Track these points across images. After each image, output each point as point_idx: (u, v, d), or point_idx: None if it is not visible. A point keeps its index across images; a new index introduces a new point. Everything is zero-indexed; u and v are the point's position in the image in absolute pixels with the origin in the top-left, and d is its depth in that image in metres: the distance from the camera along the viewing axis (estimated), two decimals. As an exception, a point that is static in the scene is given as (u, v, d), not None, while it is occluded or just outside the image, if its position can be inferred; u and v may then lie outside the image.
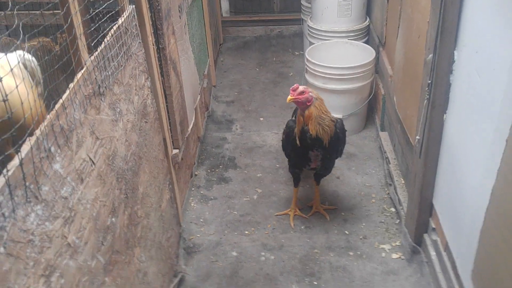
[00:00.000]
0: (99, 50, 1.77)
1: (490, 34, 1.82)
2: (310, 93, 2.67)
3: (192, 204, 3.36)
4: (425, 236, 2.67)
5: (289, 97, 2.66)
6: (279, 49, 5.82)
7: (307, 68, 3.99)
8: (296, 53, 5.67)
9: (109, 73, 1.84)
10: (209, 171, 3.71)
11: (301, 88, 2.65)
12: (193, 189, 3.50)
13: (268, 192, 3.48)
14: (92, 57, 1.71)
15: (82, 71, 1.61)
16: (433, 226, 2.59)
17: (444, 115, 2.31)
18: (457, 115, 2.19)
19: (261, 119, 4.40)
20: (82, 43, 1.67)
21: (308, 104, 2.68)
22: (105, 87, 1.79)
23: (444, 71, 2.22)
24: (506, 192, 1.65)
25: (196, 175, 3.63)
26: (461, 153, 2.14)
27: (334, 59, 4.14)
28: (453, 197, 2.26)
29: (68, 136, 1.48)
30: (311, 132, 2.71)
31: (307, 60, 3.95)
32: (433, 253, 2.57)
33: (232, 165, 3.77)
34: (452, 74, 2.22)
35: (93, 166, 1.65)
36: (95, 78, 1.70)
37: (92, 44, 1.76)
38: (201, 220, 3.23)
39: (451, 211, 2.30)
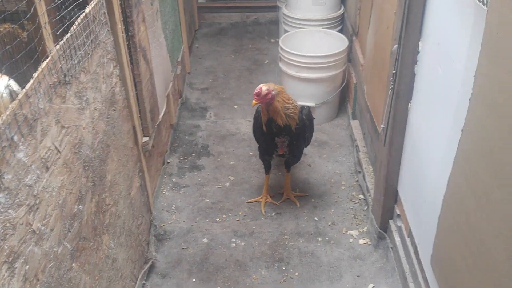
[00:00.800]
0: (65, 39, 1.76)
1: (450, 27, 1.88)
2: (273, 92, 2.69)
3: (164, 192, 3.38)
4: (391, 222, 2.75)
5: (254, 101, 2.68)
6: (255, 36, 5.82)
7: (281, 56, 4.02)
8: (272, 40, 5.68)
9: (75, 61, 1.84)
10: (181, 158, 3.73)
11: (264, 90, 2.66)
12: (165, 176, 3.52)
13: (241, 179, 3.52)
14: (58, 46, 1.70)
15: (47, 60, 1.61)
16: (398, 212, 2.67)
17: (409, 104, 2.38)
18: (421, 105, 2.26)
19: (236, 106, 4.42)
20: (47, 32, 1.67)
21: (272, 101, 2.71)
22: (71, 76, 1.80)
23: (409, 61, 2.27)
24: (460, 180, 1.72)
25: (168, 162, 3.64)
26: (423, 142, 2.21)
27: (308, 47, 4.18)
28: (416, 185, 2.33)
29: (32, 125, 1.48)
30: (279, 123, 2.77)
31: (281, 48, 3.98)
32: (397, 239, 2.65)
33: (205, 153, 3.80)
34: (416, 64, 2.28)
35: (59, 154, 1.66)
36: (61, 67, 1.70)
37: (58, 33, 1.75)
38: (173, 207, 3.26)
39: (414, 198, 2.38)
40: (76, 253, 1.77)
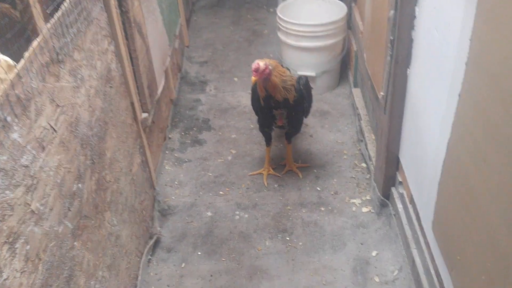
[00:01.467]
0: (56, 17, 1.74)
1: (447, -11, 1.83)
2: (269, 67, 2.66)
3: (166, 167, 3.39)
4: (393, 189, 2.76)
5: (253, 78, 2.64)
6: (253, 6, 5.73)
7: (279, 26, 3.96)
8: (271, 10, 5.58)
9: (68, 39, 1.82)
10: (183, 133, 3.73)
11: (261, 66, 2.63)
12: (167, 152, 3.52)
13: (242, 152, 3.52)
14: (49, 25, 1.68)
15: (38, 39, 1.59)
16: (400, 180, 2.67)
17: (408, 70, 2.35)
18: (419, 71, 2.23)
19: (236, 79, 4.39)
20: (36, 10, 1.64)
21: (269, 77, 2.68)
22: (64, 54, 1.78)
23: (406, 27, 2.23)
24: (459, 145, 1.71)
25: (169, 138, 3.64)
26: (423, 108, 2.19)
27: (307, 16, 4.12)
28: (416, 151, 2.32)
29: (25, 105, 1.48)
30: (277, 99, 2.75)
31: (279, 17, 3.92)
32: (400, 206, 2.66)
33: (206, 127, 3.79)
34: (414, 30, 2.24)
35: (55, 133, 1.66)
36: (53, 46, 1.68)
37: (49, 12, 1.73)
38: (176, 182, 3.27)
39: (415, 164, 2.37)
40: (78, 231, 1.79)
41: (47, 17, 1.75)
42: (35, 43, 1.57)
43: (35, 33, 1.64)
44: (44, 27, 1.66)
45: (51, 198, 1.58)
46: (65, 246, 1.67)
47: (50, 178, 1.59)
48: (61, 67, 1.75)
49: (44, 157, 1.56)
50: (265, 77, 2.67)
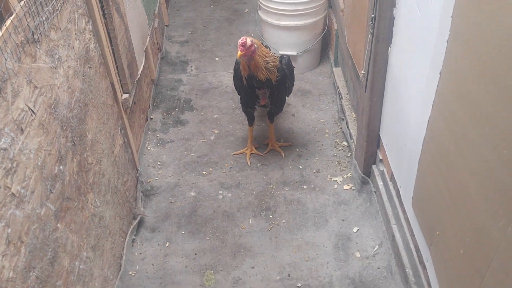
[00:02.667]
0: (29, -6, 1.69)
1: (428, -34, 1.83)
2: (255, 45, 2.65)
3: (149, 148, 3.37)
4: (374, 167, 2.79)
5: (239, 52, 2.61)
6: (233, -15, 5.65)
7: (260, 4, 3.92)
8: (251, -12, 5.52)
9: (43, 18, 1.78)
10: (165, 114, 3.70)
11: (248, 41, 2.61)
12: (149, 132, 3.50)
13: (225, 132, 3.52)
14: (22, 3, 1.63)
15: (11, 17, 1.54)
16: (381, 157, 2.70)
17: (389, 48, 2.35)
18: (400, 49, 2.24)
19: (217, 59, 4.35)
20: (9, -13, 1.59)
21: (253, 55, 2.66)
22: (40, 34, 1.74)
23: (387, 4, 2.23)
24: (439, 123, 1.73)
25: (151, 118, 3.61)
26: (403, 86, 2.20)
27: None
28: (397, 129, 2.35)
29: (1, 86, 1.44)
30: (260, 79, 2.74)
31: (260, -4, 3.88)
32: (380, 183, 2.70)
33: (188, 107, 3.77)
34: (395, 7, 2.24)
35: (34, 115, 1.63)
36: (28, 25, 1.64)
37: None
38: (159, 163, 3.26)
39: (395, 142, 2.40)
40: (61, 213, 1.78)
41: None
42: (8, 22, 1.53)
43: (8, 11, 1.59)
44: (18, 5, 1.61)
45: (32, 180, 1.57)
46: (48, 228, 1.66)
47: (30, 161, 1.57)
48: (37, 47, 1.71)
49: (23, 139, 1.54)
50: (249, 54, 2.65)
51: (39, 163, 1.63)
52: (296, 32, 3.85)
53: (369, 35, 2.34)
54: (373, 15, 2.27)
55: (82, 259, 1.96)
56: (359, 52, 2.88)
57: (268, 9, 3.82)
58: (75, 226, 1.92)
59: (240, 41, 2.60)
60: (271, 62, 2.76)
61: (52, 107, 1.78)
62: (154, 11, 3.95)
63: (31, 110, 1.61)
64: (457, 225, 1.63)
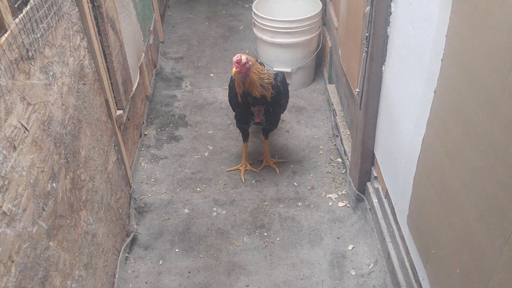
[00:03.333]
0: (24, 11, 1.69)
1: (422, -14, 1.85)
2: (250, 62, 2.66)
3: (143, 164, 3.35)
4: (368, 184, 2.79)
5: (234, 69, 2.62)
6: (228, 2, 5.70)
7: (255, 22, 3.95)
8: (246, 5, 5.57)
9: (38, 35, 1.77)
10: (159, 130, 3.69)
11: (243, 59, 2.62)
12: (142, 149, 3.48)
13: (219, 148, 3.51)
14: (17, 20, 1.63)
15: (6, 35, 1.54)
16: (375, 174, 2.70)
17: (383, 67, 2.37)
18: (394, 67, 2.25)
19: (212, 75, 4.36)
20: (3, 4, 1.59)
21: (248, 72, 2.68)
22: (35, 51, 1.73)
23: (382, 23, 2.25)
24: (434, 141, 1.73)
25: (145, 134, 3.60)
26: (398, 104, 2.21)
27: (282, 11, 4.12)
28: (391, 147, 2.35)
29: (-5, 103, 1.43)
30: (255, 96, 2.75)
31: (255, 13, 3.91)
32: (375, 200, 2.69)
33: (183, 123, 3.76)
34: (389, 26, 2.26)
35: (27, 132, 1.61)
36: (22, 42, 1.64)
37: (16, 6, 1.68)
38: (152, 179, 3.24)
39: (390, 160, 2.40)
40: (53, 231, 1.75)
41: (15, 12, 1.70)
42: (2, 39, 1.52)
43: (2, 28, 1.59)
44: (12, 22, 1.61)
45: (24, 198, 1.54)
46: (40, 246, 1.63)
47: (22, 178, 1.55)
48: (31, 64, 1.70)
49: (15, 157, 1.52)
50: (244, 71, 2.66)
51: (31, 181, 1.61)
52: (291, 49, 3.88)
53: (364, 53, 2.35)
54: (367, 34, 2.28)
55: (75, 278, 1.93)
56: (353, 69, 2.90)
57: (262, 26, 3.84)
58: (68, 244, 1.89)
59: (235, 58, 2.61)
60: (266, 79, 2.77)
61: (46, 124, 1.77)
62: (149, 27, 3.97)
63: (24, 127, 1.60)
64: (453, 244, 1.62)
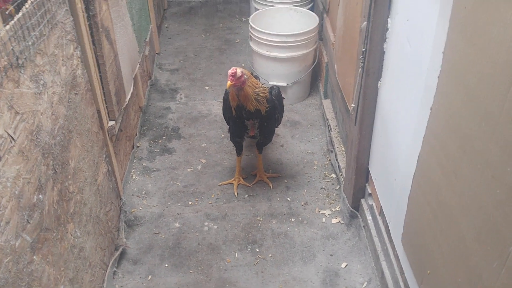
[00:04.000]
0: (15, 19, 1.66)
1: (419, 2, 1.84)
2: (245, 75, 2.64)
3: (134, 177, 3.30)
4: (362, 201, 2.75)
5: (229, 82, 2.60)
6: (225, 15, 5.70)
7: (251, 35, 3.94)
8: (243, 19, 5.58)
9: (30, 43, 1.74)
10: (152, 142, 3.64)
11: (238, 72, 2.59)
12: (134, 161, 3.43)
13: (213, 162, 3.46)
14: (8, 27, 1.60)
15: (-5, 41, 1.51)
16: (369, 191, 2.66)
17: (379, 82, 2.35)
18: (390, 83, 2.23)
19: (207, 87, 4.34)
20: (-6, 11, 1.56)
21: (243, 85, 2.65)
22: (25, 59, 1.69)
23: (378, 39, 2.23)
24: (430, 158, 1.70)
25: (138, 146, 3.56)
26: (393, 121, 2.19)
27: (278, 25, 4.12)
28: (386, 164, 2.32)
29: (-19, 111, 1.39)
30: (249, 110, 2.72)
31: (251, 27, 3.90)
32: (369, 218, 2.66)
33: (176, 136, 3.72)
34: (386, 42, 2.24)
35: (13, 142, 1.57)
36: (12, 49, 1.60)
37: (7, 13, 1.65)
38: (143, 192, 3.19)
39: (385, 177, 2.37)
40: (38, 244, 1.70)
41: (6, 19, 1.67)
42: (-8, 46, 1.49)
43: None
44: (3, 29, 1.58)
45: (7, 210, 1.49)
46: (23, 261, 1.58)
47: (7, 190, 1.50)
48: (21, 72, 1.66)
49: (0, 167, 1.47)
50: (239, 85, 2.63)
51: (16, 192, 1.56)
52: (287, 63, 3.86)
53: (360, 69, 2.33)
54: (364, 49, 2.27)
55: (59, 293, 1.87)
56: (349, 85, 2.88)
57: (259, 40, 3.83)
58: (53, 258, 1.83)
59: (230, 71, 2.58)
60: (261, 93, 2.74)
61: (34, 133, 1.72)
62: (146, 38, 3.95)
63: (11, 136, 1.55)
64: (448, 264, 1.58)
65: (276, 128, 3.15)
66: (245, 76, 2.63)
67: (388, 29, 2.20)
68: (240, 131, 2.97)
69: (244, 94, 2.68)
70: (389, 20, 2.19)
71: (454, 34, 1.47)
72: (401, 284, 2.19)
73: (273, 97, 2.82)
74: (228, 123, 3.08)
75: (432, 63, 1.68)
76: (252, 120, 2.83)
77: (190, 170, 3.39)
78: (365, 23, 2.25)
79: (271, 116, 2.88)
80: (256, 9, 4.42)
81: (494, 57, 1.24)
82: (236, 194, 3.17)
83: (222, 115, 3.15)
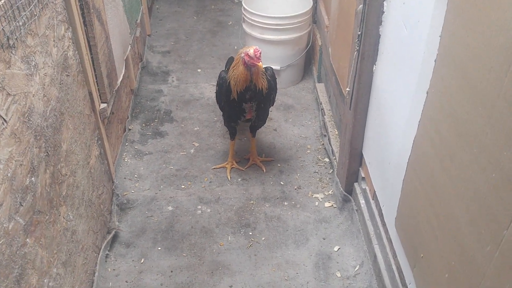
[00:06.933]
0: (5, -3, 1.62)
1: (416, -15, 1.82)
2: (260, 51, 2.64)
3: (126, 160, 3.28)
4: (356, 185, 2.76)
5: (261, 63, 2.60)
6: (217, -4, 5.63)
7: (244, 17, 3.90)
8: (236, 0, 5.51)
9: (20, 23, 1.70)
10: (144, 125, 3.62)
11: (260, 51, 2.60)
12: (126, 144, 3.41)
13: (205, 145, 3.45)
14: (-3, 6, 1.56)
15: (-15, 21, 1.47)
16: (363, 175, 2.67)
17: (374, 66, 2.34)
18: (386, 67, 2.22)
19: (199, 70, 4.30)
20: (-17, -11, 1.52)
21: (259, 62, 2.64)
22: (16, 39, 1.66)
23: (374, 22, 2.22)
24: (425, 143, 1.71)
25: (130, 129, 3.53)
26: (388, 105, 2.18)
27: (272, 8, 4.07)
28: (381, 148, 2.32)
29: (-29, 92, 1.36)
30: (259, 87, 2.71)
31: (244, 9, 3.85)
32: (362, 202, 2.67)
33: (168, 119, 3.69)
34: (381, 25, 2.23)
35: (5, 124, 1.54)
36: (2, 29, 1.56)
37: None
38: (136, 175, 3.17)
39: (379, 161, 2.38)
40: (30, 227, 1.68)
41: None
42: (-17, 26, 1.46)
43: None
44: (-8, 9, 1.54)
45: (0, 193, 1.48)
46: (16, 243, 1.57)
47: (-1, 172, 1.48)
48: (12, 53, 1.63)
49: (-8, 149, 1.45)
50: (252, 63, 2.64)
51: (9, 174, 1.54)
52: (280, 46, 3.83)
53: (355, 52, 2.32)
54: (359, 32, 2.25)
55: (52, 276, 1.87)
56: (343, 68, 2.86)
57: (252, 22, 3.79)
58: (46, 241, 1.82)
59: (257, 53, 2.58)
60: (263, 72, 2.76)
61: (26, 115, 1.70)
62: (137, 20, 3.89)
63: (3, 118, 1.53)
64: (442, 248, 1.60)
65: (270, 111, 3.14)
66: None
67: (384, 12, 2.18)
68: (237, 115, 2.95)
69: (256, 71, 2.67)
70: (385, 3, 2.17)
71: (452, 17, 1.46)
72: (394, 267, 2.21)
73: (269, 78, 2.82)
74: (222, 109, 3.06)
75: (428, 46, 1.67)
76: (250, 103, 2.82)
77: (182, 153, 3.37)
78: (361, 5, 2.23)
79: (268, 96, 2.88)
80: (249, -9, 4.37)
81: (492, 41, 1.23)
82: (229, 178, 3.17)
83: (215, 100, 3.12)
